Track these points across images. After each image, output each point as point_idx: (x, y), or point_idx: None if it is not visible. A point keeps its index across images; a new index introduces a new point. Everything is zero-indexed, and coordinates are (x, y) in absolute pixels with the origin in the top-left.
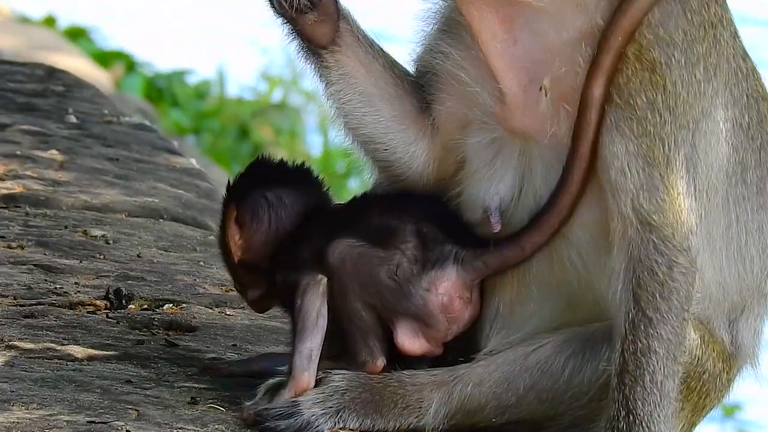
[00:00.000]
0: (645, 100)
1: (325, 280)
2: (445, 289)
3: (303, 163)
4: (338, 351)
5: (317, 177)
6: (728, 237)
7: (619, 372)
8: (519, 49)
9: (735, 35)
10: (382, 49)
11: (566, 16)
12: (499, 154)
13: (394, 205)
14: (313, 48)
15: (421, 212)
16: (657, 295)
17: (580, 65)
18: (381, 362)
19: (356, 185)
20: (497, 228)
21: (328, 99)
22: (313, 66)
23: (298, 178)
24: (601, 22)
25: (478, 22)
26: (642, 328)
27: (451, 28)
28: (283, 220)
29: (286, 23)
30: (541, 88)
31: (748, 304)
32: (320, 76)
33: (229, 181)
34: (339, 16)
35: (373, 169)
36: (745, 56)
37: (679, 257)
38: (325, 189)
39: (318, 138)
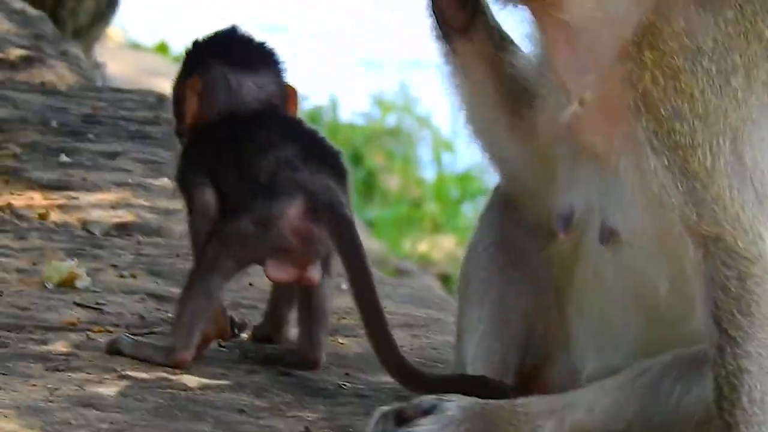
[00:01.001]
0: (670, 109)
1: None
2: (295, 213)
3: (272, 51)
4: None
5: (280, 65)
6: None
7: (716, 399)
8: (577, 63)
9: None
10: (512, 42)
11: (601, 33)
12: (577, 164)
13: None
14: (446, 29)
15: (285, 139)
16: (735, 312)
17: (615, 81)
18: (190, 355)
19: (470, 210)
20: (561, 236)
21: (450, 84)
22: (442, 47)
23: (265, 69)
24: (631, 38)
25: (549, 38)
26: (728, 350)
27: (535, 41)
28: (230, 107)
29: None
30: (580, 100)
31: None
32: (446, 59)
33: (198, 45)
34: (479, 4)
35: (492, 166)
36: None
37: (750, 267)
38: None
39: (432, 163)
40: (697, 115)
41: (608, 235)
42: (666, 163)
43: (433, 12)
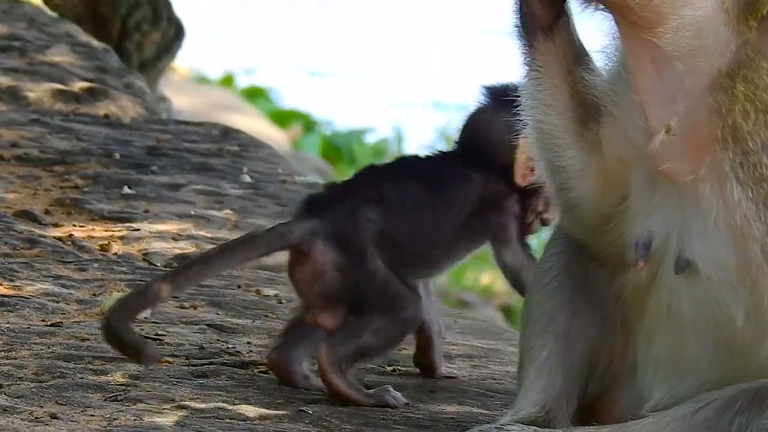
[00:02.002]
0: (758, 142)
1: None
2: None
3: None
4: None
5: None
6: None
7: None
8: (663, 87)
9: None
10: (587, 53)
11: (695, 61)
12: (656, 192)
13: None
14: (531, 26)
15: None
16: None
17: (704, 111)
18: None
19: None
20: (640, 264)
21: (525, 85)
22: (523, 44)
23: None
24: (725, 70)
25: (633, 57)
26: None
27: (613, 56)
28: None
29: None
30: (666, 128)
31: None
32: (525, 58)
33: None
34: (564, 6)
35: (548, 176)
36: None
37: None
38: None
39: None
40: None
41: (684, 265)
42: (750, 195)
43: (520, 7)
